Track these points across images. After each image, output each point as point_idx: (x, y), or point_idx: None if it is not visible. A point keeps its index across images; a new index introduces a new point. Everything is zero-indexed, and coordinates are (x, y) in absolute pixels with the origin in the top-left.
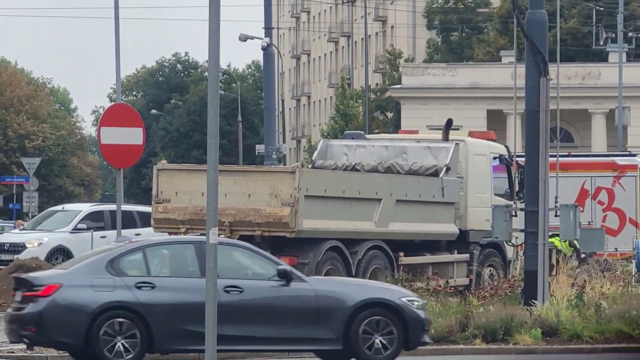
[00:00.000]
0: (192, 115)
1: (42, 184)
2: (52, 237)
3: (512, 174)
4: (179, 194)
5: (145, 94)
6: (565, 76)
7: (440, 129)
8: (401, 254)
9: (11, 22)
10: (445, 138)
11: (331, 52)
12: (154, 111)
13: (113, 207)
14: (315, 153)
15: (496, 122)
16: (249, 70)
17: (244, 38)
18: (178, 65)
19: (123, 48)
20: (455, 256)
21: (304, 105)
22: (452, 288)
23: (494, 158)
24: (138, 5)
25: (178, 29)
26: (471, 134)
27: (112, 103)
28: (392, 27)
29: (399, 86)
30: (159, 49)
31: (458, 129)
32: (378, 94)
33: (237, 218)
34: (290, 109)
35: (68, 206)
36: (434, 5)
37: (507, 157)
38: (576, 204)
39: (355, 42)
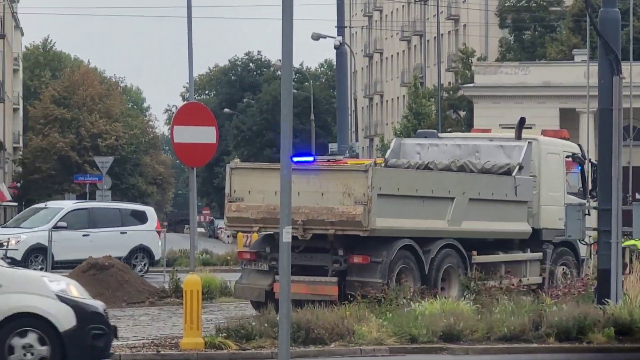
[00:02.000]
0: (264, 114)
1: (115, 182)
2: (31, 235)
3: (585, 172)
4: (252, 192)
5: (218, 93)
6: (639, 74)
7: (513, 128)
8: (474, 252)
9: (84, 21)
10: (518, 137)
11: (404, 50)
12: (226, 110)
13: (96, 205)
14: (388, 152)
15: (569, 120)
16: (322, 69)
17: (316, 37)
18: (251, 64)
19: (196, 47)
20: (528, 255)
21: (376, 104)
22: (525, 287)
23: (567, 157)
24: (211, 4)
25: (251, 28)
26: (544, 133)
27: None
28: (464, 25)
29: (471, 85)
30: (232, 47)
31: (531, 128)
32: (451, 92)
33: (310, 217)
34: (362, 107)
35: (51, 203)
36: (506, 4)
37: (580, 155)
38: None
39: (428, 40)
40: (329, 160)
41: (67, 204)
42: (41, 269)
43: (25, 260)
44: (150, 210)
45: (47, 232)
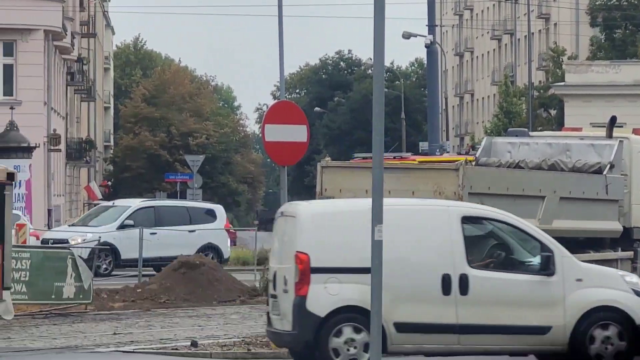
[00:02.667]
0: (355, 113)
1: (206, 181)
2: (98, 233)
3: None
4: (343, 191)
5: (309, 92)
6: None
7: (604, 126)
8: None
9: (175, 20)
10: (609, 135)
11: (494, 49)
12: (317, 109)
13: (163, 203)
14: (479, 150)
15: None
16: (412, 67)
17: (407, 36)
18: (341, 63)
19: (287, 46)
20: (619, 254)
21: (467, 102)
22: None
23: None
24: (302, 3)
25: (342, 27)
26: (635, 131)
27: (276, 100)
28: (555, 24)
29: (562, 84)
30: (323, 46)
31: (622, 126)
32: (541, 91)
33: None
34: (453, 106)
35: (119, 202)
36: (597, 2)
37: None
38: None
39: (519, 39)
40: (394, 158)
41: (135, 202)
42: (106, 268)
43: (91, 259)
44: (219, 209)
45: (114, 230)
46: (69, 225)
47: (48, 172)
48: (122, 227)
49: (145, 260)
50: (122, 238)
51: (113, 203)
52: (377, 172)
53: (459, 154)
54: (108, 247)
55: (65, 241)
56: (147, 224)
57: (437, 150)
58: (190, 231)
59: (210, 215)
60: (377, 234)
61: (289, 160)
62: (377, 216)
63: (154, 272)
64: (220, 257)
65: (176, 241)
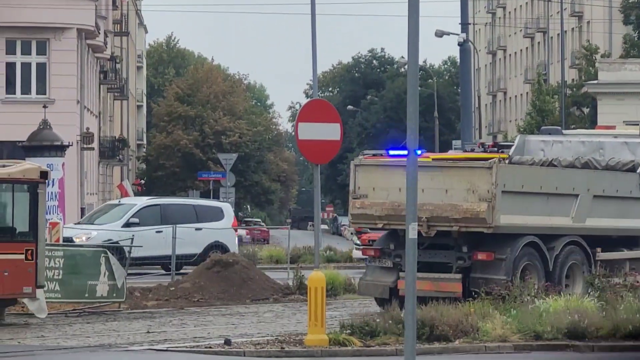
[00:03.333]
0: (388, 112)
1: (239, 179)
2: (102, 231)
3: None
4: (376, 189)
5: (342, 90)
6: None
7: (637, 124)
8: (598, 249)
9: (208, 18)
10: None
11: (527, 47)
12: (350, 107)
13: (170, 201)
14: (512, 148)
15: None
16: (445, 66)
17: (440, 34)
18: (374, 61)
19: (319, 44)
20: None
21: (500, 100)
22: None
23: None
24: (335, 2)
25: (374, 25)
26: None
27: (309, 99)
28: (588, 22)
29: (595, 82)
30: (356, 44)
31: None
32: (574, 89)
33: (435, 213)
34: (486, 104)
35: (125, 200)
36: (630, 0)
37: None
38: None
39: (552, 37)
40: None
41: (141, 200)
42: None
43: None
44: (226, 207)
45: (119, 228)
46: (75, 224)
47: (81, 170)
48: (127, 225)
49: (151, 259)
50: (126, 236)
51: (119, 201)
52: (412, 170)
53: (465, 151)
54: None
55: (70, 239)
56: (152, 222)
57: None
58: (196, 229)
59: (218, 213)
60: (412, 232)
61: (323, 158)
62: (411, 214)
63: (163, 271)
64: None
65: (182, 239)
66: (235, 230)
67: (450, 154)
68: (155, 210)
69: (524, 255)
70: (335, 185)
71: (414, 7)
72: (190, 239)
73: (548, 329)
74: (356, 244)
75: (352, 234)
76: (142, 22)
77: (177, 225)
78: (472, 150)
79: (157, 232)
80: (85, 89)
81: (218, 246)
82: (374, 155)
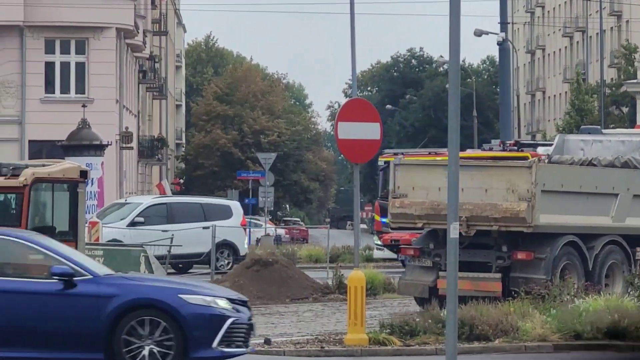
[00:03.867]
0: (427, 111)
1: (278, 179)
2: (107, 230)
3: None
4: (416, 188)
5: (380, 89)
6: None
7: None
8: (638, 248)
9: (247, 18)
10: None
11: (566, 47)
12: (389, 106)
13: (176, 199)
14: (552, 148)
15: None
16: (484, 65)
17: (479, 33)
18: (413, 61)
19: (358, 44)
20: None
21: (538, 100)
22: None
23: None
24: (374, 1)
25: (413, 25)
26: None
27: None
28: (627, 21)
29: (634, 81)
30: (394, 44)
31: None
32: (613, 88)
33: (474, 213)
34: (525, 104)
35: (132, 198)
36: None
37: None
38: None
39: (590, 36)
40: (429, 154)
41: (147, 199)
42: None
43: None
44: (235, 205)
45: (124, 227)
46: None
47: (120, 170)
48: (133, 224)
49: (158, 258)
50: (131, 235)
51: (126, 200)
52: (453, 169)
53: (483, 150)
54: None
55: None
56: (158, 221)
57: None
58: (204, 228)
59: (226, 212)
60: (453, 231)
61: (362, 157)
62: (452, 214)
63: (203, 270)
64: (237, 254)
65: (189, 238)
66: (245, 229)
67: (469, 152)
68: (161, 209)
69: (563, 255)
70: (373, 184)
71: (455, 7)
72: (197, 238)
73: (588, 329)
74: (377, 244)
75: (371, 233)
76: (181, 21)
77: (183, 225)
78: (491, 149)
79: (162, 231)
80: (124, 88)
81: (226, 245)
82: (394, 154)
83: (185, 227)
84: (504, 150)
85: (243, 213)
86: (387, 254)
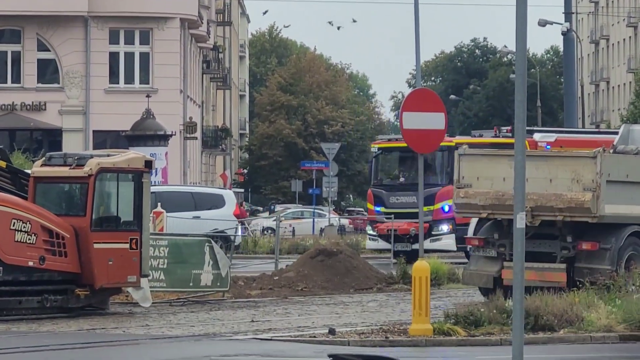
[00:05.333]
0: (490, 101)
1: (341, 169)
2: None
3: None
4: (480, 179)
5: (444, 80)
6: None
7: None
8: None
9: (311, 8)
10: None
11: (630, 36)
12: (452, 96)
13: (166, 188)
14: (617, 138)
15: None
16: (548, 55)
17: (543, 23)
18: (477, 51)
19: (422, 34)
20: None
21: (602, 90)
22: None
23: None
24: None
25: (477, 15)
26: None
27: (411, 88)
28: None
29: None
30: (458, 34)
31: None
32: None
33: (539, 203)
34: (589, 94)
35: None
36: None
37: None
38: None
39: None
40: (476, 136)
41: None
42: None
43: None
44: (228, 194)
45: None
46: None
47: (184, 160)
48: None
49: None
50: None
51: None
52: (520, 159)
53: (473, 137)
54: None
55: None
56: None
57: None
58: (194, 217)
59: (218, 201)
60: (520, 221)
61: (427, 147)
62: (519, 204)
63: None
64: (229, 244)
65: (179, 228)
66: (238, 218)
67: (458, 139)
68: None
69: (629, 245)
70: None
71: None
72: (188, 227)
73: None
74: (370, 235)
75: (368, 223)
76: (245, 11)
77: (172, 214)
78: (481, 136)
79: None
80: (188, 78)
81: (218, 235)
82: (388, 140)
83: (175, 216)
84: (496, 136)
85: (237, 202)
86: (382, 244)
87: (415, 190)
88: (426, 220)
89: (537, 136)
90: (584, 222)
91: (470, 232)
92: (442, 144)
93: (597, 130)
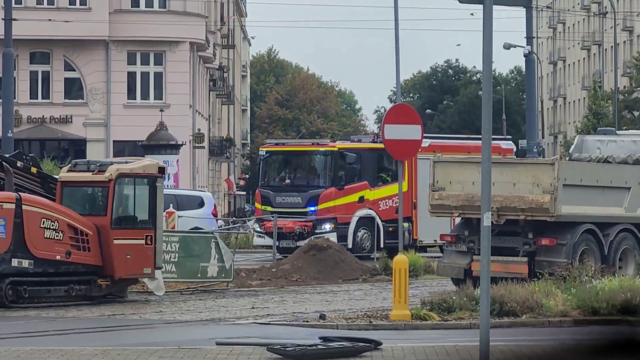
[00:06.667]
0: (462, 114)
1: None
2: None
3: None
4: (452, 183)
5: (421, 96)
6: None
7: None
8: None
9: (304, 33)
10: None
11: (584, 58)
12: (428, 111)
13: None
14: (572, 147)
15: None
16: (512, 74)
17: (507, 46)
18: (449, 71)
19: (402, 55)
20: None
21: (560, 105)
22: None
23: None
24: (415, 18)
25: (450, 39)
26: None
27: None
28: (638, 36)
29: None
30: (433, 56)
31: None
32: (626, 95)
33: (504, 204)
34: (548, 108)
35: None
36: None
37: None
38: None
39: (606, 49)
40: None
41: None
42: None
43: None
44: (207, 196)
45: None
46: None
47: (193, 166)
48: None
49: None
50: None
51: None
52: (486, 165)
53: (352, 141)
54: None
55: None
56: None
57: (534, 147)
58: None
59: (199, 203)
60: (486, 220)
61: (406, 155)
62: (486, 204)
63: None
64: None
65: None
66: (215, 217)
67: (340, 144)
68: None
69: (582, 241)
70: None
71: (488, 23)
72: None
73: (604, 306)
74: (257, 232)
75: (254, 222)
76: (246, 36)
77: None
78: (360, 141)
79: None
80: (197, 95)
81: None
82: (275, 144)
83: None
84: (374, 142)
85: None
86: (268, 240)
87: (299, 192)
88: (310, 219)
89: None
90: (543, 220)
91: (351, 230)
92: (324, 149)
93: (465, 136)
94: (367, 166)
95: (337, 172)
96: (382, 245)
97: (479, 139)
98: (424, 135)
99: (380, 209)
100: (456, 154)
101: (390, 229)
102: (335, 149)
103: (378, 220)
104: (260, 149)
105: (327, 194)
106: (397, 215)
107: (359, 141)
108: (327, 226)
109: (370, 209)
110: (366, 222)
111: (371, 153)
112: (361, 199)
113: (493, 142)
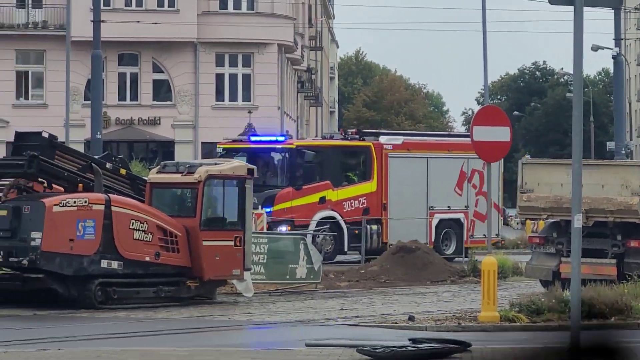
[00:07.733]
0: (549, 117)
1: None
2: None
3: None
4: (541, 184)
5: (509, 98)
6: None
7: None
8: None
9: (392, 35)
10: None
11: None
12: (516, 112)
13: None
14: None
15: None
16: (599, 76)
17: (595, 48)
18: (537, 72)
19: (490, 57)
20: None
21: None
22: None
23: None
24: (504, 20)
25: (537, 41)
26: None
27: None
28: None
29: None
30: (521, 58)
31: None
32: None
33: (592, 206)
34: (636, 110)
35: None
36: None
37: None
38: None
39: None
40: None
41: None
42: None
43: None
44: None
45: None
46: None
47: None
48: None
49: None
50: None
51: None
52: (577, 167)
53: (324, 138)
54: None
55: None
56: None
57: (622, 149)
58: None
59: None
60: (577, 222)
61: (494, 157)
62: (577, 206)
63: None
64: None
65: None
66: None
67: (308, 141)
68: None
69: None
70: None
71: (579, 25)
72: None
73: None
74: None
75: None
76: (334, 38)
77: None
78: (331, 137)
79: None
80: (285, 96)
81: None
82: (233, 141)
83: None
84: (345, 138)
85: None
86: None
87: (259, 191)
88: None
89: (382, 139)
90: (632, 222)
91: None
92: (281, 146)
93: (442, 133)
94: (329, 165)
95: (295, 171)
96: (345, 249)
97: (458, 136)
98: (398, 132)
99: (344, 210)
100: (434, 151)
101: (356, 231)
102: (293, 146)
103: (342, 222)
104: (217, 146)
105: (284, 194)
106: (361, 218)
107: (331, 137)
108: (283, 228)
109: (333, 210)
110: (328, 225)
111: (334, 151)
112: (322, 199)
113: (465, 139)
